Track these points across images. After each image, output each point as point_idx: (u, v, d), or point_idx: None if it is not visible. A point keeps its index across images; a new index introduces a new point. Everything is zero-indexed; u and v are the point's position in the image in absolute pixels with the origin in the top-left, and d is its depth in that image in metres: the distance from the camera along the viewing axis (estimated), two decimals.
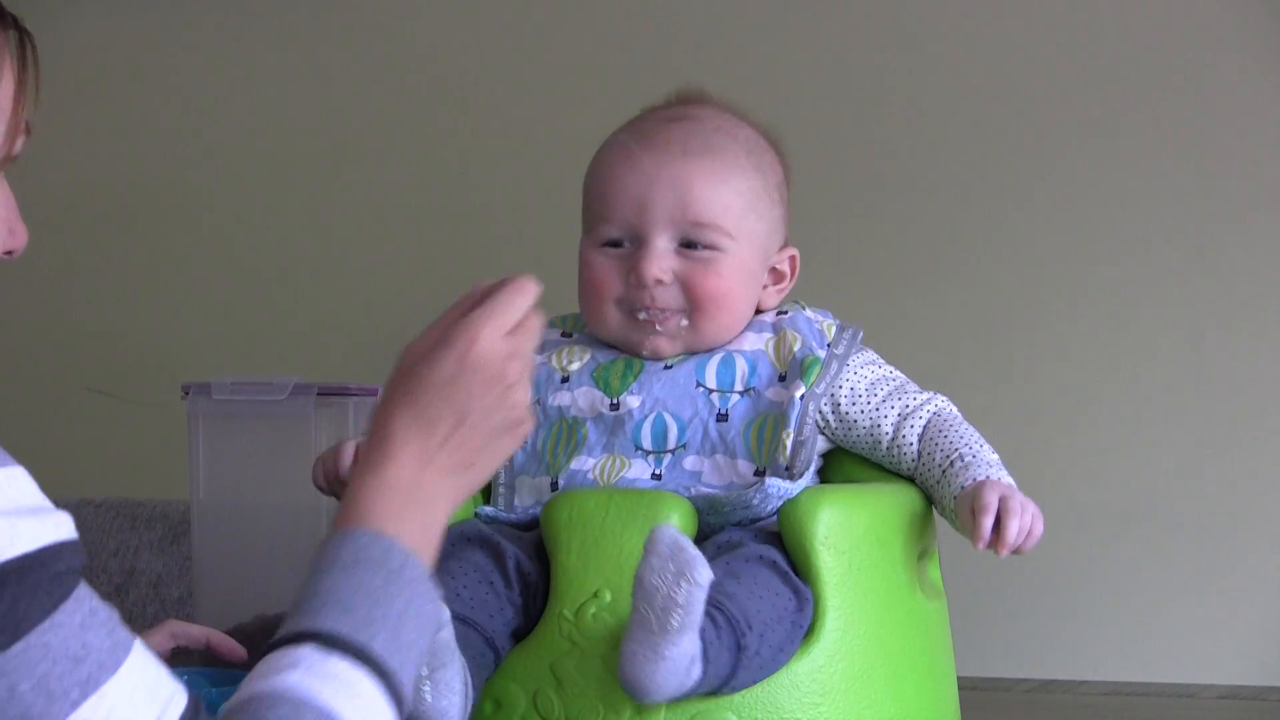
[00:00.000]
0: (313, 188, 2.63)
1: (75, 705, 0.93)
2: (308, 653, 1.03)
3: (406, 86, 2.60)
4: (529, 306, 1.18)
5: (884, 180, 2.39)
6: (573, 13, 2.53)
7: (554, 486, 1.38)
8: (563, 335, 1.46)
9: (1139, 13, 2.31)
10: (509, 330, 1.16)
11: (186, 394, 1.95)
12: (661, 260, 1.37)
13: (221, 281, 2.66)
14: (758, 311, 1.45)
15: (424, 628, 1.08)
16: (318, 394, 1.90)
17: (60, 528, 0.96)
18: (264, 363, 2.54)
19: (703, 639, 1.17)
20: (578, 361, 1.42)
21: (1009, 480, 1.34)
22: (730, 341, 1.41)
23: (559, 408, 1.41)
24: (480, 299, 1.18)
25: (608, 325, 1.42)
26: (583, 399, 1.40)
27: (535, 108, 2.52)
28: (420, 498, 1.12)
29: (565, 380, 1.42)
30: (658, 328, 1.40)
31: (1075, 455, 2.30)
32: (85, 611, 0.95)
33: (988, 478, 1.33)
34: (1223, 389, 2.27)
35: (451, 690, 1.18)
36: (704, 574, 1.14)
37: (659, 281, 1.38)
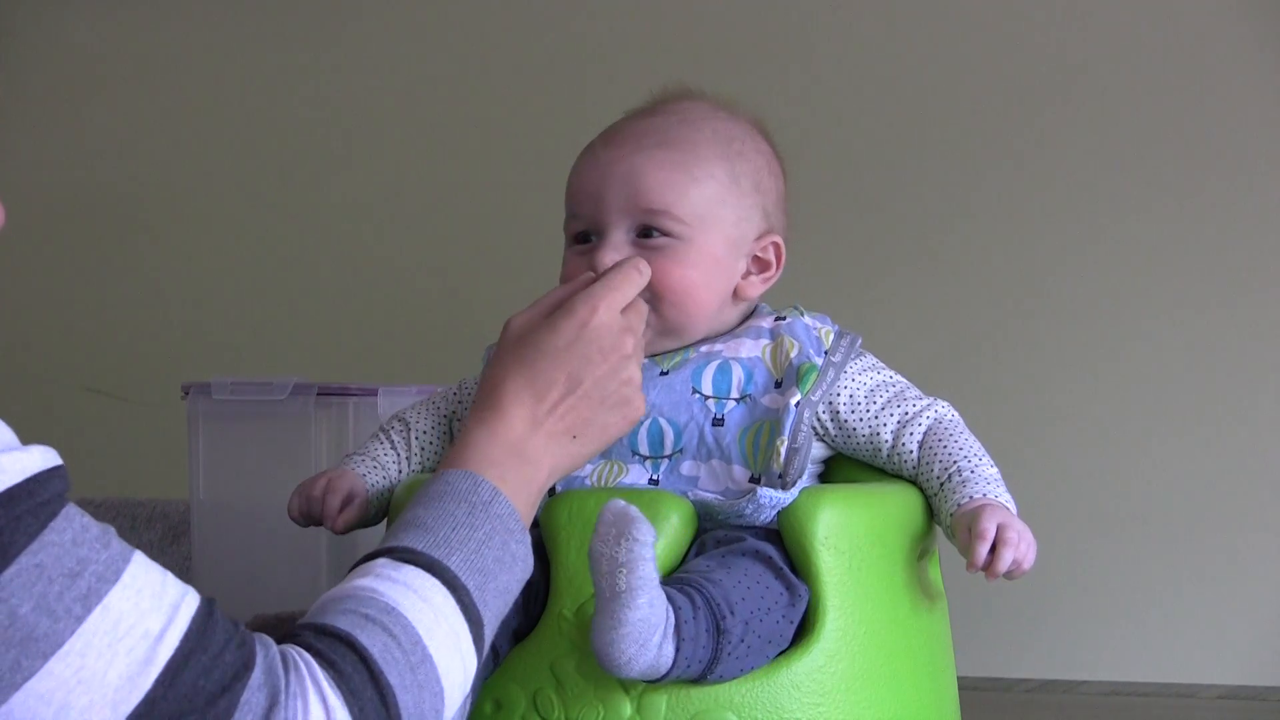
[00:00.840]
0: (313, 188, 2.63)
1: (80, 620, 0.92)
2: (381, 563, 1.07)
3: (407, 87, 2.60)
4: (641, 288, 1.28)
5: (877, 177, 2.39)
6: (575, 12, 2.53)
7: (551, 491, 1.38)
8: None
9: (1131, 8, 2.31)
10: (623, 307, 1.24)
11: (186, 394, 1.95)
12: (615, 251, 1.38)
13: (221, 281, 2.66)
14: (750, 314, 1.45)
15: (507, 561, 1.11)
16: (318, 394, 1.90)
17: (46, 457, 0.95)
18: (264, 363, 2.54)
19: (677, 615, 1.17)
20: None
21: (1007, 499, 1.34)
22: (726, 345, 1.41)
23: None
24: (596, 277, 1.26)
25: None
26: None
27: (536, 109, 2.53)
28: (524, 456, 1.17)
29: None
30: None
31: (1074, 455, 2.30)
32: (76, 528, 0.94)
33: (985, 496, 1.33)
34: (1222, 388, 2.27)
35: None
36: (645, 530, 1.15)
37: None
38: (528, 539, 1.15)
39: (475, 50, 2.57)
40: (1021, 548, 1.29)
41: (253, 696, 0.96)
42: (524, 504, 1.16)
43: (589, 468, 1.37)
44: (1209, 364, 2.27)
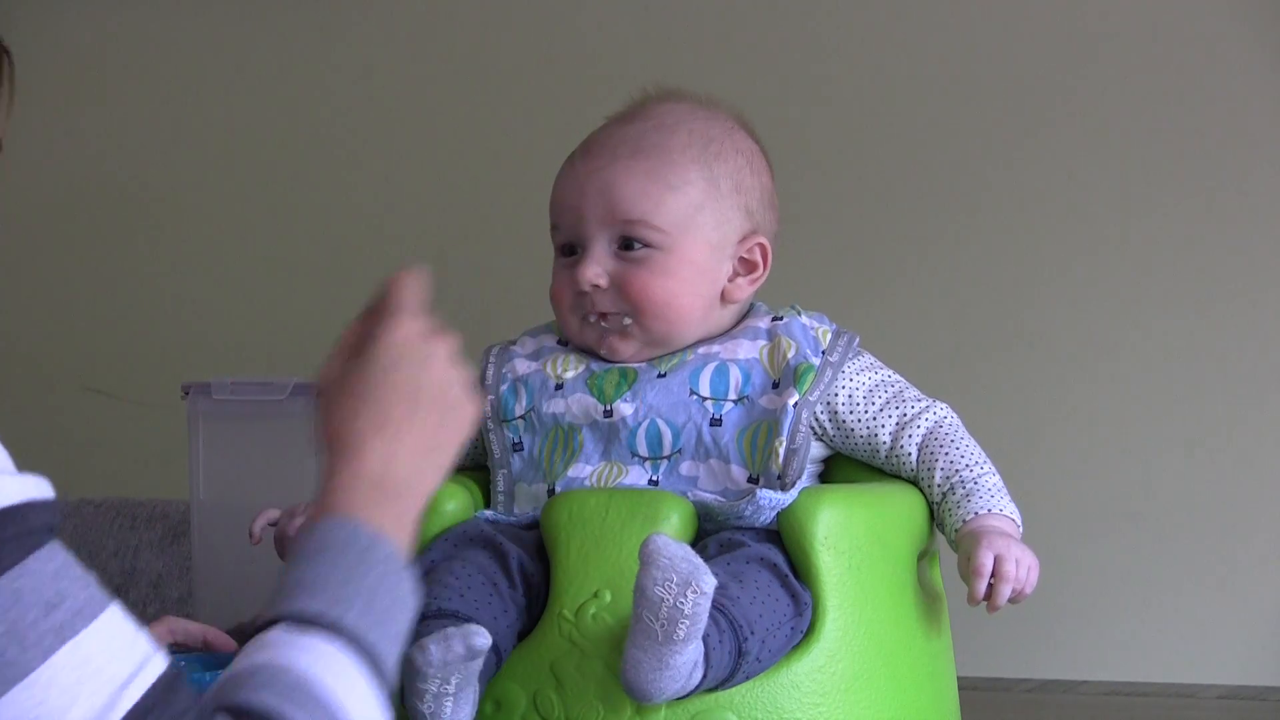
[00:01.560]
0: (313, 188, 2.63)
1: (49, 652, 0.91)
2: (280, 632, 1.02)
3: (408, 87, 2.60)
4: (417, 292, 1.22)
5: (877, 176, 2.39)
6: (576, 11, 2.53)
7: (551, 493, 1.38)
8: (559, 343, 1.46)
9: (1132, 8, 2.31)
10: (415, 315, 1.20)
11: (186, 394, 1.95)
12: (596, 265, 1.39)
13: (221, 281, 2.66)
14: (746, 314, 1.45)
15: (400, 604, 1.07)
16: None
17: (40, 487, 0.94)
18: (264, 363, 2.54)
19: (705, 643, 1.18)
20: (572, 370, 1.43)
21: (1011, 509, 1.35)
22: (723, 347, 1.41)
23: (553, 414, 1.41)
24: (377, 306, 1.23)
25: (570, 331, 1.44)
26: (576, 405, 1.40)
27: (537, 109, 2.53)
28: (390, 489, 1.11)
29: (559, 387, 1.42)
30: (604, 325, 1.41)
31: (1074, 454, 2.30)
32: (59, 562, 0.93)
33: (990, 512, 1.34)
34: (1223, 389, 2.27)
35: (470, 702, 1.20)
36: (709, 582, 1.14)
37: (595, 286, 1.39)
38: (411, 576, 1.10)
39: (476, 50, 2.57)
40: (1020, 576, 1.30)
41: None
42: (403, 537, 1.11)
43: (589, 469, 1.38)
44: (1209, 364, 2.27)
